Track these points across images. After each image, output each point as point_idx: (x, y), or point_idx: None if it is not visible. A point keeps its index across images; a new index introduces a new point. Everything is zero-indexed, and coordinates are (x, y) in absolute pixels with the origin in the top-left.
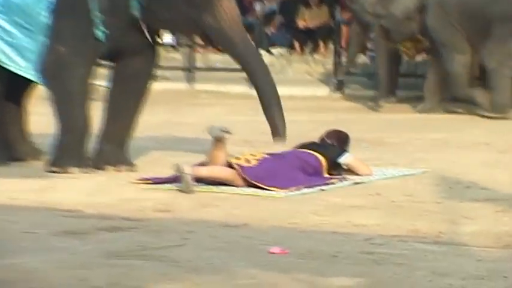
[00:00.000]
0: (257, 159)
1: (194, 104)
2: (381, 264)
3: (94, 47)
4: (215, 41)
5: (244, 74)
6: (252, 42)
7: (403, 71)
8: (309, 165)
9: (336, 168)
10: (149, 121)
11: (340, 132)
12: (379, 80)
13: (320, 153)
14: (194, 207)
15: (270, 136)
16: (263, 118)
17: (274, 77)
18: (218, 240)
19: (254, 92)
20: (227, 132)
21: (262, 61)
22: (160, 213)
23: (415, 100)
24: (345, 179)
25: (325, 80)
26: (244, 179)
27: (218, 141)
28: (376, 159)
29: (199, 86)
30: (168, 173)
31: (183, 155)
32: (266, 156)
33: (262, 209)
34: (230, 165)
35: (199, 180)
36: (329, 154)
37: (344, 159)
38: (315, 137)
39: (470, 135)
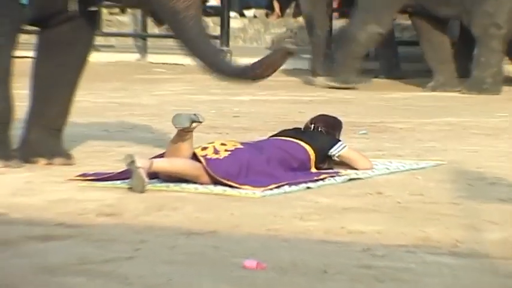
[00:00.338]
0: (228, 150)
1: (147, 80)
2: (382, 281)
3: (16, 11)
4: (164, 21)
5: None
6: (208, 34)
7: (408, 38)
8: (293, 157)
9: (326, 162)
10: (90, 102)
11: (330, 117)
12: (313, 43)
13: (307, 143)
14: (148, 210)
15: (244, 120)
16: (234, 97)
17: (247, 46)
18: (178, 251)
19: None
20: (198, 121)
21: (221, 56)
22: (106, 218)
23: (425, 75)
24: (337, 174)
25: (310, 50)
26: (212, 175)
27: (182, 134)
28: (377, 149)
29: (153, 57)
30: (115, 167)
31: (134, 144)
32: (239, 146)
33: (233, 212)
34: (195, 158)
35: (155, 176)
36: (318, 144)
37: (337, 150)
38: (298, 122)
39: (494, 120)
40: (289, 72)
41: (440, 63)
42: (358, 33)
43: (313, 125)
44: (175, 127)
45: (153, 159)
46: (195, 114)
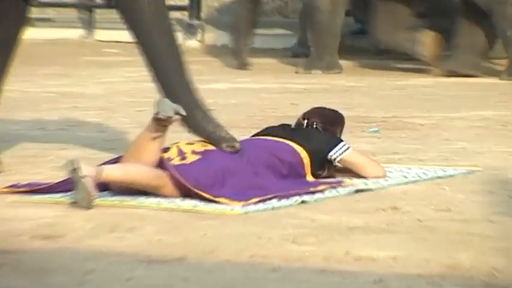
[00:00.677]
0: (196, 153)
1: (94, 64)
2: None
3: None
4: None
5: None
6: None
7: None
8: (283, 162)
9: (325, 168)
10: (22, 92)
11: (329, 110)
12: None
13: (300, 144)
14: (97, 231)
15: (220, 115)
16: (207, 85)
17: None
18: (135, 284)
19: (189, 43)
20: (181, 114)
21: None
22: (42, 242)
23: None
24: (340, 184)
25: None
26: (179, 185)
27: (161, 124)
28: (391, 152)
29: (102, 34)
30: (54, 175)
31: (77, 147)
32: (210, 147)
33: (207, 233)
34: (159, 164)
35: (106, 187)
36: (313, 144)
37: (338, 153)
38: (291, 117)
39: None
40: (278, 53)
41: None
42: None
43: (306, 121)
44: (158, 116)
45: (104, 166)
46: (176, 105)
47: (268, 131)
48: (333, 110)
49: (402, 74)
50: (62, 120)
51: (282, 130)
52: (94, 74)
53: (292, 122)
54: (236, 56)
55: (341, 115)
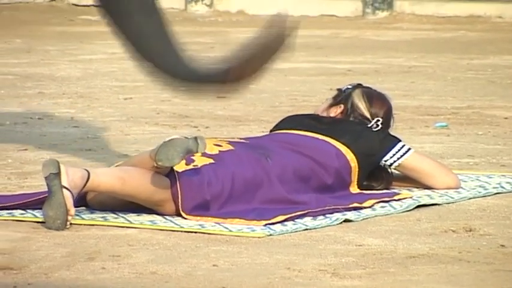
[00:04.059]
0: (210, 155)
1: (66, 35)
2: None
3: None
4: None
5: None
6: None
7: None
8: (327, 168)
9: (381, 178)
10: None
11: (377, 94)
12: None
13: (344, 143)
14: (71, 260)
15: (235, 105)
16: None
17: None
18: None
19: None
20: (195, 152)
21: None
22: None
23: None
24: (395, 197)
25: None
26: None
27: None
28: (465, 154)
29: None
30: (13, 185)
31: (45, 146)
32: (227, 147)
33: (218, 263)
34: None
35: (92, 201)
36: (363, 145)
37: (397, 157)
38: (320, 100)
39: None
40: (315, 21)
41: None
42: None
43: (351, 106)
44: (158, 164)
45: (95, 170)
46: (195, 139)
47: (294, 123)
48: (377, 92)
49: (480, 50)
50: (23, 112)
51: (314, 121)
52: (66, 49)
53: (323, 110)
54: None
55: (387, 101)
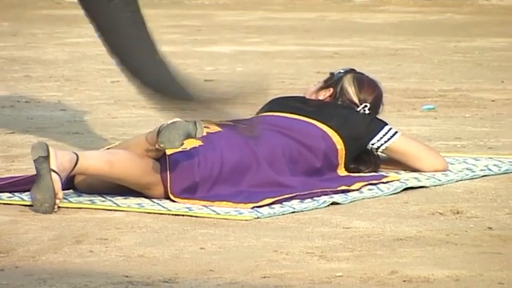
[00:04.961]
0: (198, 138)
1: (54, 18)
2: None
3: None
4: None
5: None
6: None
7: None
8: (314, 150)
9: (362, 159)
10: None
11: (367, 78)
12: None
13: (330, 126)
14: (58, 243)
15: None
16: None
17: None
18: None
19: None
20: (194, 136)
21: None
22: None
23: None
24: (383, 180)
25: None
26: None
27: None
28: (453, 136)
29: None
30: (2, 168)
31: (33, 129)
32: (216, 129)
33: (205, 246)
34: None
35: (80, 184)
36: (350, 128)
37: (384, 140)
38: (307, 83)
39: None
40: (302, 3)
41: None
42: None
43: (340, 90)
44: (160, 146)
45: (83, 153)
46: (194, 123)
47: (280, 106)
48: (368, 78)
49: (467, 32)
50: (10, 95)
51: (300, 103)
52: (53, 32)
53: (311, 93)
54: None
55: (380, 88)
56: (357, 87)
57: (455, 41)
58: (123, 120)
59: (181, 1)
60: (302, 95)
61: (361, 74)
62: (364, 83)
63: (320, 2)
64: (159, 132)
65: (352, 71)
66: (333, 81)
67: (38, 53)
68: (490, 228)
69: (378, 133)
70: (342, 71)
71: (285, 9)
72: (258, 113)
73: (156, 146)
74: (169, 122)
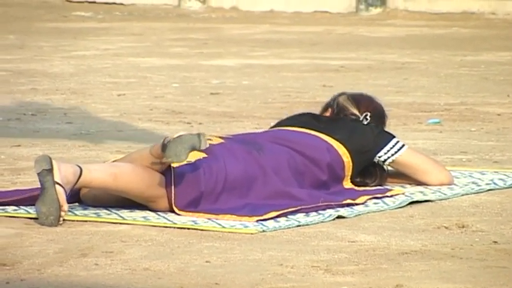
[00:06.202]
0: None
1: (61, 31)
2: None
3: None
4: None
5: None
6: None
7: None
8: (319, 163)
9: (375, 174)
10: None
11: (357, 93)
12: None
13: (337, 140)
14: (64, 256)
15: (228, 100)
16: (211, 60)
17: None
18: None
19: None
20: (199, 149)
21: None
22: None
23: None
24: (388, 193)
25: None
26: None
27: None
28: (458, 150)
29: None
30: (6, 181)
31: (39, 142)
32: (218, 141)
33: (210, 260)
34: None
35: (85, 197)
36: (358, 141)
37: (391, 153)
38: (321, 104)
39: None
40: (308, 17)
41: None
42: None
43: (341, 108)
44: (167, 160)
45: (88, 166)
46: (198, 135)
47: (292, 121)
48: (366, 94)
49: (473, 46)
50: (17, 108)
51: (313, 120)
52: (60, 45)
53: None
54: None
55: (376, 99)
56: (353, 100)
57: (461, 55)
58: (129, 134)
59: (188, 14)
60: (317, 112)
61: (355, 92)
62: (359, 96)
63: (326, 16)
64: (164, 146)
65: (344, 93)
66: (329, 102)
67: (44, 66)
68: (495, 242)
69: (385, 146)
70: (335, 94)
71: (291, 23)
72: (270, 127)
73: (163, 160)
74: (175, 135)
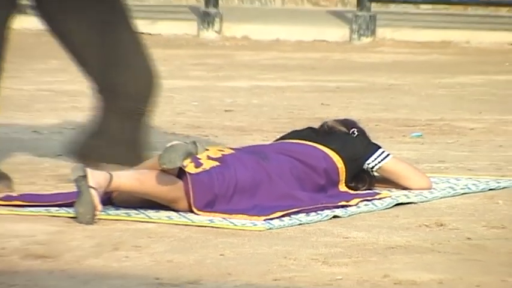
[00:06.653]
0: (214, 159)
1: None
2: None
3: None
4: None
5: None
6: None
7: None
8: (317, 169)
9: (365, 180)
10: (14, 90)
11: (349, 120)
12: None
13: (332, 149)
14: (99, 250)
15: (240, 117)
16: (226, 82)
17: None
18: None
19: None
20: (195, 154)
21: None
22: (35, 262)
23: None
24: (377, 196)
25: (340, 14)
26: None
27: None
28: (437, 160)
29: None
30: (49, 186)
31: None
32: (230, 152)
33: (224, 253)
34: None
35: (116, 199)
36: (349, 151)
37: (378, 161)
38: (320, 120)
39: None
40: (309, 45)
41: None
42: None
43: (327, 127)
44: (162, 167)
45: (116, 173)
46: (194, 143)
47: (293, 135)
48: (351, 119)
49: (450, 70)
50: (59, 123)
51: (311, 134)
52: None
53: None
54: None
55: (362, 127)
56: (339, 122)
57: (440, 77)
58: (155, 145)
59: (206, 43)
60: (315, 127)
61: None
62: (342, 119)
63: (324, 44)
64: (160, 155)
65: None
66: (319, 126)
67: (82, 87)
68: (469, 238)
69: (372, 154)
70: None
71: (294, 50)
72: (275, 140)
73: (159, 168)
74: (168, 145)
